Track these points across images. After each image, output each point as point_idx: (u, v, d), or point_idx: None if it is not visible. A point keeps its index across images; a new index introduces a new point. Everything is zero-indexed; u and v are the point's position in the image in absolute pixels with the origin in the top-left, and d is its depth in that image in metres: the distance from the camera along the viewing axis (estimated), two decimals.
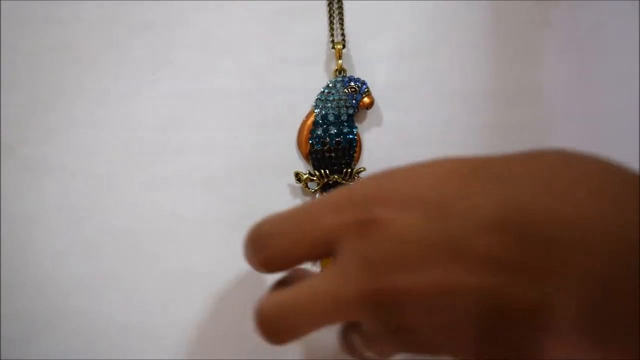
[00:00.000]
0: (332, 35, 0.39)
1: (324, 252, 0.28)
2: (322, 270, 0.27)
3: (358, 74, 0.39)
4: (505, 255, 0.24)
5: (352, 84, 0.38)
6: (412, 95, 0.39)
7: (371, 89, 0.38)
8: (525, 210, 0.25)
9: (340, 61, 0.39)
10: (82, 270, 0.35)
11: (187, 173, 0.37)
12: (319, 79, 0.38)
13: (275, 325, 0.28)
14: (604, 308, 0.24)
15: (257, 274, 0.35)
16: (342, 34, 0.39)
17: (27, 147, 0.37)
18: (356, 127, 0.38)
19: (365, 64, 0.39)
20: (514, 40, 0.40)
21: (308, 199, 0.37)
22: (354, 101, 0.38)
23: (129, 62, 0.38)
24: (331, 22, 0.39)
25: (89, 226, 0.36)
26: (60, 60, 0.38)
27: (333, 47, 0.39)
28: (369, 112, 0.38)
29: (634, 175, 0.26)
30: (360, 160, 0.38)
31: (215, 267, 0.36)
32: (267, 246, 0.29)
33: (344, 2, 0.39)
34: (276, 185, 0.37)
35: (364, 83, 0.38)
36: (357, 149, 0.38)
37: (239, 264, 0.36)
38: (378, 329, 0.26)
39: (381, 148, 0.38)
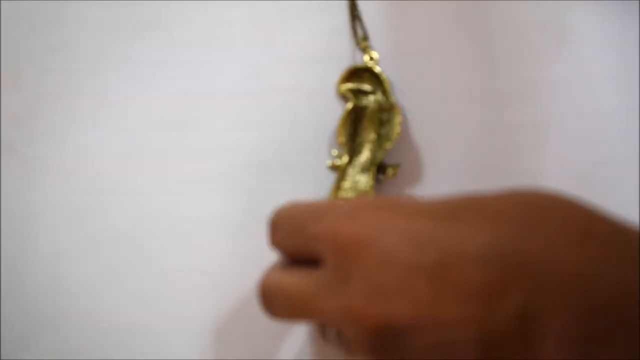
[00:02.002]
0: (355, 31, 0.39)
1: (310, 255, 0.28)
2: (315, 269, 0.28)
3: None
4: (492, 286, 0.24)
5: None
6: (410, 96, 0.39)
7: None
8: (513, 246, 0.24)
9: (366, 56, 0.39)
10: (83, 269, 0.35)
11: (189, 172, 0.37)
12: (320, 79, 0.38)
13: (267, 301, 0.29)
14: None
15: (259, 273, 0.35)
16: (363, 29, 0.39)
17: (28, 146, 0.37)
18: None
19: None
20: (514, 40, 0.40)
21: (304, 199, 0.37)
22: None
23: (130, 62, 0.39)
24: (353, 19, 0.39)
25: (90, 225, 0.36)
26: (61, 59, 0.38)
27: (358, 43, 0.39)
28: None
29: (616, 221, 0.26)
30: None
31: (216, 266, 0.36)
32: (272, 234, 0.30)
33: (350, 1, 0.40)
34: (277, 185, 0.37)
35: None
36: None
37: (240, 263, 0.36)
38: (357, 344, 0.26)
39: None
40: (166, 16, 0.39)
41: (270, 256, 0.36)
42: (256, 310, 0.35)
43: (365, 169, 0.37)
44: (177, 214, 0.36)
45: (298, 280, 0.28)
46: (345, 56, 0.39)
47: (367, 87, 0.38)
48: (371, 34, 0.40)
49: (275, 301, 0.29)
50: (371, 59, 0.39)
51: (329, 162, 0.37)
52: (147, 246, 0.36)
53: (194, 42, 0.39)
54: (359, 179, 0.37)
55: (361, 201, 0.28)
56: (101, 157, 0.37)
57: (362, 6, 0.40)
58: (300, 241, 0.28)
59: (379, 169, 0.37)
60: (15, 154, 0.37)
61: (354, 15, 0.39)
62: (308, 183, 0.37)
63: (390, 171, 0.37)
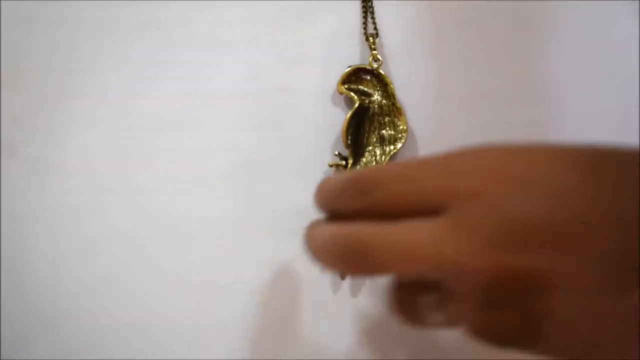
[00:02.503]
0: (365, 26, 0.39)
1: (427, 209, 0.27)
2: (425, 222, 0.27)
3: None
4: (618, 251, 0.24)
5: None
6: (410, 96, 0.39)
7: None
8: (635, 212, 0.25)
9: (375, 51, 0.39)
10: (83, 269, 0.35)
11: (189, 172, 0.37)
12: (320, 79, 0.38)
13: (371, 256, 0.27)
14: None
15: (259, 273, 0.35)
16: (375, 26, 0.39)
17: (28, 146, 0.37)
18: None
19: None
20: (514, 40, 0.40)
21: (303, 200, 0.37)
22: None
23: (130, 62, 0.38)
24: (365, 14, 0.39)
25: (90, 225, 0.36)
26: (62, 60, 0.38)
27: (367, 39, 0.39)
28: None
29: None
30: None
31: (215, 266, 0.36)
32: (375, 190, 0.28)
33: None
34: (277, 185, 0.37)
35: None
36: None
37: (240, 263, 0.36)
38: (469, 298, 0.26)
39: None
40: (166, 16, 0.39)
41: (270, 256, 0.36)
42: (256, 310, 0.35)
43: None
44: (177, 214, 0.36)
45: (413, 231, 0.27)
46: (346, 56, 0.39)
47: (366, 88, 0.38)
48: (372, 34, 0.40)
49: (383, 255, 0.27)
50: (376, 60, 0.39)
51: (330, 162, 0.37)
52: (147, 246, 0.36)
53: (194, 42, 0.39)
54: None
55: (483, 159, 0.27)
56: (101, 157, 0.37)
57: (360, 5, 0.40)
58: (417, 194, 0.27)
59: None
60: (15, 154, 0.37)
61: (366, 10, 0.39)
62: (308, 183, 0.37)
63: None
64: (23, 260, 0.35)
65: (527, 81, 0.39)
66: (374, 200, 0.28)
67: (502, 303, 0.26)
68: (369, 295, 0.36)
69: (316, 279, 0.36)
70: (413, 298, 0.29)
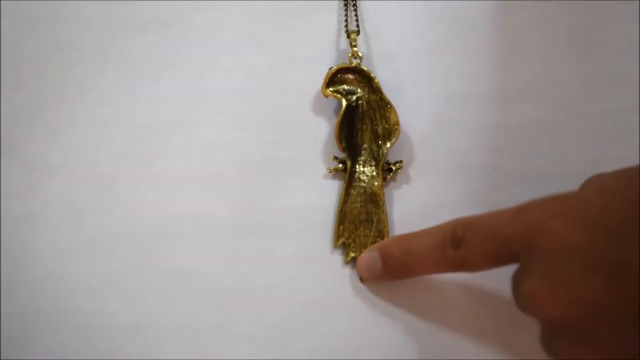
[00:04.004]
0: (346, 23, 0.39)
1: (507, 257, 0.30)
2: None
3: None
4: None
5: None
6: (410, 96, 0.39)
7: None
8: None
9: (355, 48, 0.39)
10: (83, 269, 0.35)
11: (188, 173, 0.37)
12: (319, 79, 0.38)
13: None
14: None
15: (257, 273, 0.35)
16: (357, 23, 0.39)
17: (28, 146, 0.37)
18: None
19: (367, 62, 0.39)
20: (514, 40, 0.40)
21: (302, 200, 0.37)
22: None
23: (131, 62, 0.39)
24: (346, 11, 0.39)
25: (90, 225, 0.36)
26: (62, 60, 0.39)
27: (348, 36, 0.39)
28: None
29: None
30: None
31: (215, 266, 0.36)
32: (464, 244, 0.31)
33: None
34: (276, 184, 0.37)
35: None
36: None
37: (240, 263, 0.36)
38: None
39: None
40: (166, 16, 0.39)
41: (270, 256, 0.36)
42: (256, 310, 0.35)
43: (370, 171, 0.37)
44: (177, 214, 0.36)
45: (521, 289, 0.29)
46: (347, 55, 0.39)
47: (350, 87, 0.38)
48: (372, 33, 0.40)
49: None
50: (355, 57, 0.39)
51: (329, 167, 0.37)
52: (147, 246, 0.36)
53: (194, 42, 0.39)
54: (367, 181, 0.37)
55: (548, 202, 0.29)
56: (101, 157, 0.37)
57: (364, 6, 0.40)
58: (496, 243, 0.30)
59: (384, 168, 0.37)
60: (16, 154, 0.37)
61: (347, 6, 0.39)
62: (308, 183, 0.37)
63: (395, 170, 0.37)
64: (23, 260, 0.35)
65: (527, 82, 0.39)
66: (463, 254, 0.31)
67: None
68: (369, 295, 0.36)
69: (316, 278, 0.36)
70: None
